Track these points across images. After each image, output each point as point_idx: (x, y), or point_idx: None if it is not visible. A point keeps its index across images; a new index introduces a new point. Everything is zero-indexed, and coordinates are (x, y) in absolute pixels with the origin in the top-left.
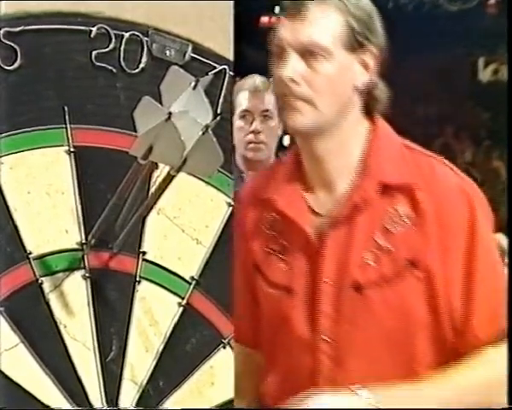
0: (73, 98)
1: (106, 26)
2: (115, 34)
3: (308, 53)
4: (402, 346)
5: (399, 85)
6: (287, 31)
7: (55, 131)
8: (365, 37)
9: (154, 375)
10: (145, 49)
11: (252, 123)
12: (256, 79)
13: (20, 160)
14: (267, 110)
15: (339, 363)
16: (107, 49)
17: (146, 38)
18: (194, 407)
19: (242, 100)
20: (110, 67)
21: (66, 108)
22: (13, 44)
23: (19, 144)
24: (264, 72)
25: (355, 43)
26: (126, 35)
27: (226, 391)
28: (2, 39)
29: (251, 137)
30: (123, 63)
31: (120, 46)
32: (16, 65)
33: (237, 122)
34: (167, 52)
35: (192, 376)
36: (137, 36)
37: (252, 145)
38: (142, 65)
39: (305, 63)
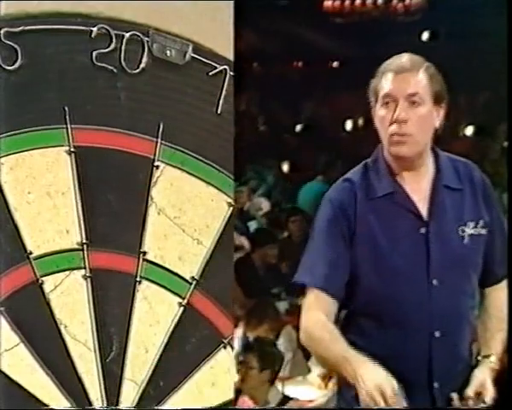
0: (74, 98)
1: (106, 27)
2: (116, 34)
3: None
4: None
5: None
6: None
7: (56, 132)
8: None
9: (154, 375)
10: (146, 49)
11: (395, 110)
12: (403, 58)
13: (20, 160)
14: (415, 94)
15: None
16: (107, 50)
17: (146, 38)
18: (194, 407)
19: (384, 83)
20: (111, 67)
21: (66, 109)
22: (13, 45)
23: (19, 145)
24: (326, 55)
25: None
26: (127, 35)
27: (226, 391)
28: (3, 39)
29: (394, 128)
30: (123, 63)
31: (121, 46)
32: (17, 65)
33: (379, 111)
34: (168, 52)
35: (192, 376)
36: (138, 36)
37: (395, 138)
38: (142, 65)
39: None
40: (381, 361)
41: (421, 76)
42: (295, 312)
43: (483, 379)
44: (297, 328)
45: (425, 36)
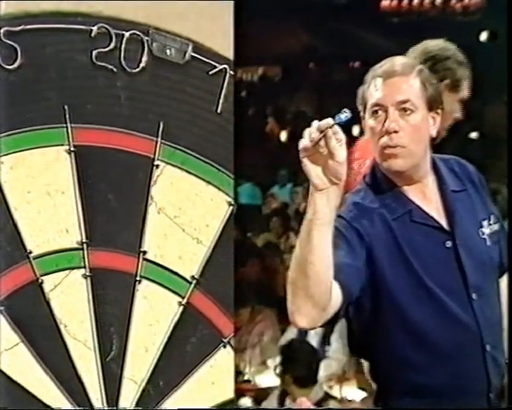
0: (74, 97)
1: (106, 26)
2: (116, 33)
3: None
4: None
5: None
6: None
7: (56, 131)
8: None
9: (154, 375)
10: (145, 48)
11: (385, 120)
12: (393, 62)
13: (20, 159)
14: (406, 100)
15: None
16: (107, 49)
17: (146, 38)
18: (194, 407)
19: (373, 90)
20: (110, 67)
21: (66, 108)
22: (13, 44)
23: (19, 144)
24: (383, 55)
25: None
26: (127, 34)
27: (226, 391)
28: (3, 39)
29: (385, 140)
30: (123, 62)
31: (121, 45)
32: (17, 64)
33: (368, 122)
34: (168, 51)
35: (192, 375)
36: (138, 35)
37: (387, 151)
38: (142, 64)
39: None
40: (442, 390)
41: (412, 81)
42: None
43: None
44: None
45: (483, 36)
